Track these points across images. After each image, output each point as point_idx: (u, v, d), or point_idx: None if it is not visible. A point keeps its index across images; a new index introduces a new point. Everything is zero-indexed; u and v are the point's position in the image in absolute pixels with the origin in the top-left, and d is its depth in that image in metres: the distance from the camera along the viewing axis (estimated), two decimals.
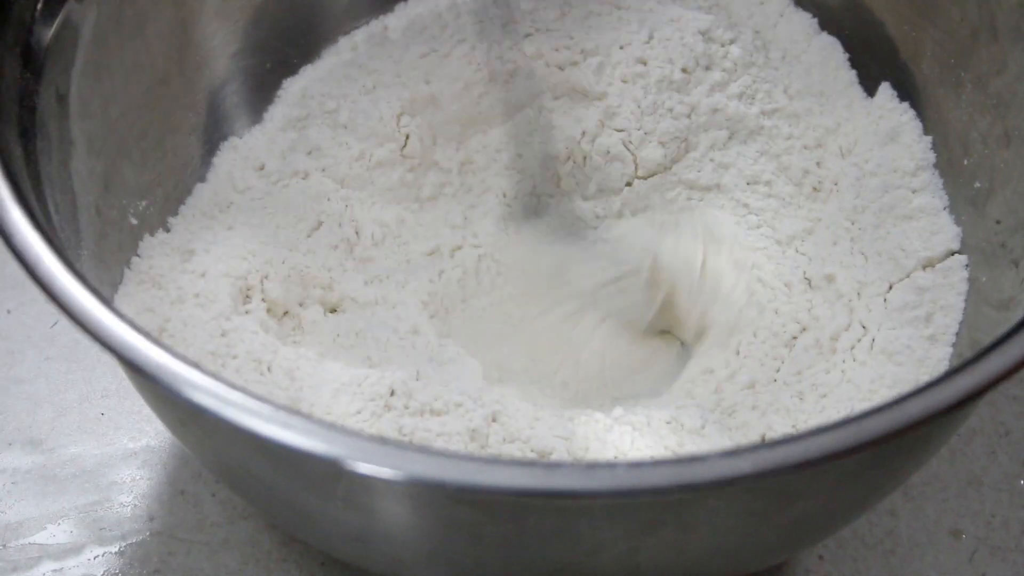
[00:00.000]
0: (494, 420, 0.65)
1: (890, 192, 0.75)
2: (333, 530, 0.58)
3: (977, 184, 0.72)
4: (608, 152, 0.78)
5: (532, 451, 0.64)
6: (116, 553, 0.70)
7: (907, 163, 0.75)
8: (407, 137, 0.79)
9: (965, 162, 0.73)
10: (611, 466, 0.48)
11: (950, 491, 0.72)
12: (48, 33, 0.66)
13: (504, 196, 0.78)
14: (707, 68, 0.79)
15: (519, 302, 0.76)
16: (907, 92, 0.78)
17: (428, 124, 0.80)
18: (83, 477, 0.73)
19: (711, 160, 0.79)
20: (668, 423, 0.67)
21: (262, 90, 0.81)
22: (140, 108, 0.73)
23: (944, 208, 0.74)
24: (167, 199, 0.75)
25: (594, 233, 0.78)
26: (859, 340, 0.70)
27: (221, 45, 0.79)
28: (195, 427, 0.57)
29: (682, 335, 0.76)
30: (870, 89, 0.80)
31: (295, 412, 0.49)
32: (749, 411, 0.68)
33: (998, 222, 0.69)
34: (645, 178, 0.78)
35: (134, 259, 0.70)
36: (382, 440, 0.49)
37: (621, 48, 0.81)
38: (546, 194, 0.78)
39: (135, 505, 0.72)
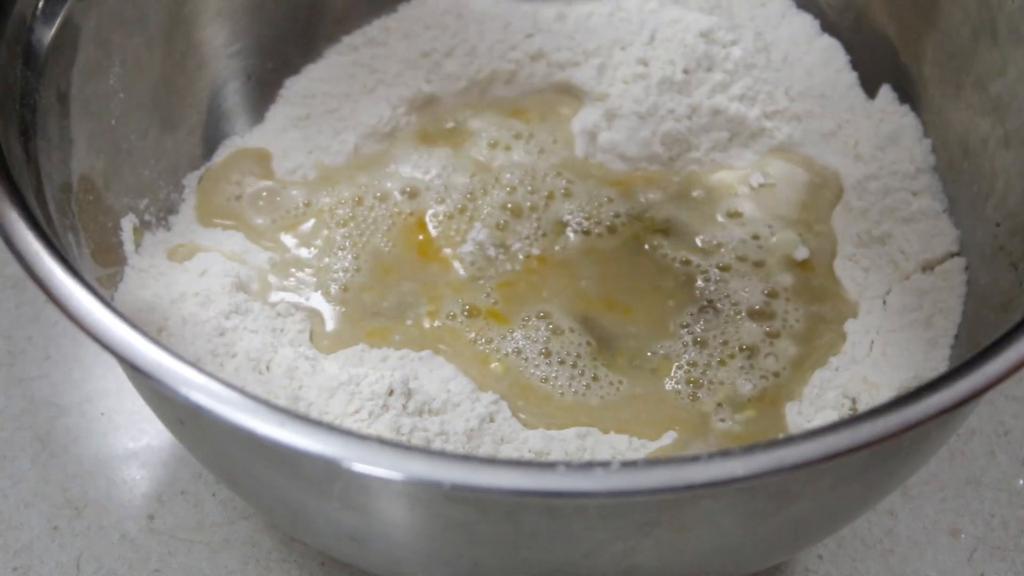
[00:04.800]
0: (491, 420, 0.65)
1: (890, 194, 0.75)
2: (330, 530, 0.58)
3: (977, 187, 0.72)
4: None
5: (529, 451, 0.64)
6: (116, 553, 0.70)
7: (907, 166, 0.75)
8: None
9: (965, 165, 0.73)
10: (606, 466, 0.48)
11: (949, 491, 0.72)
12: (49, 32, 0.66)
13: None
14: (708, 70, 0.79)
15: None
16: (908, 94, 0.78)
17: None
18: (83, 477, 0.73)
19: (712, 161, 0.79)
20: None
21: (264, 89, 0.81)
22: (141, 107, 0.73)
23: (944, 211, 0.74)
24: (168, 198, 0.75)
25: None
26: (858, 342, 0.70)
27: (223, 44, 0.79)
28: (193, 426, 0.57)
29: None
30: (871, 91, 0.80)
31: (292, 412, 0.50)
32: None
33: (997, 225, 0.69)
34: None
35: (134, 257, 0.70)
36: (378, 440, 0.49)
37: (622, 49, 0.81)
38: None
39: (135, 505, 0.72)
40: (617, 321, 0.72)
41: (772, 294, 0.72)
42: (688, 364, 0.70)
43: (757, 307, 0.72)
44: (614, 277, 0.74)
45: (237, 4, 0.80)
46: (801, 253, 0.74)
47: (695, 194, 0.77)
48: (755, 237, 0.75)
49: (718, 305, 0.72)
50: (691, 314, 0.72)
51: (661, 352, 0.70)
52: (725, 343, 0.70)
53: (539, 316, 0.71)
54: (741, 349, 0.70)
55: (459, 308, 0.72)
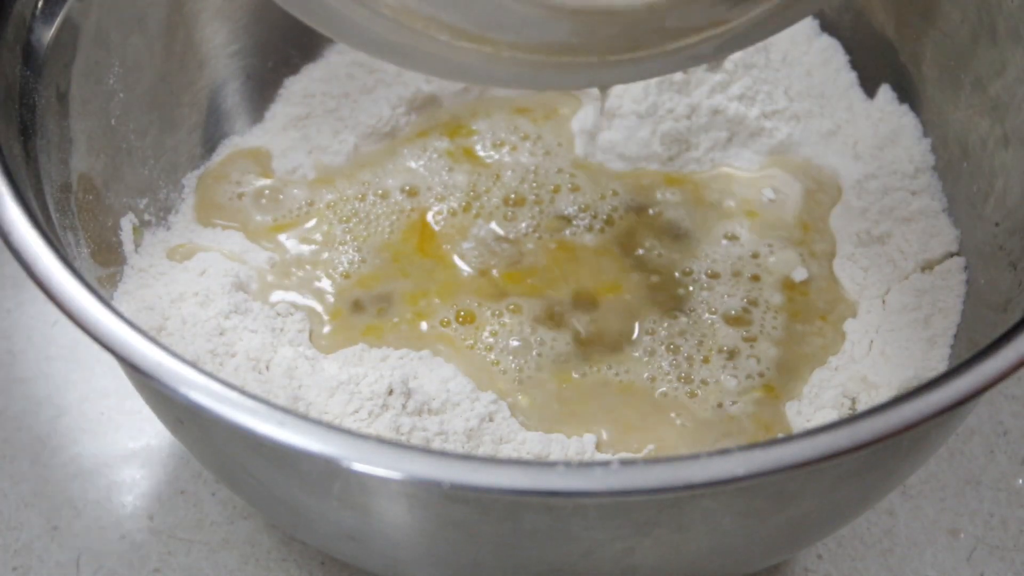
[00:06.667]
0: (490, 420, 0.65)
1: (890, 194, 0.75)
2: (330, 529, 0.58)
3: (976, 186, 0.72)
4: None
5: (528, 451, 0.64)
6: (116, 553, 0.70)
7: (907, 165, 0.75)
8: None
9: (964, 164, 0.73)
10: (605, 466, 0.48)
11: (948, 490, 0.72)
12: (49, 31, 0.66)
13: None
14: (708, 69, 0.79)
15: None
16: (907, 94, 0.78)
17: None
18: (83, 477, 0.73)
19: (711, 161, 0.79)
20: None
21: (263, 89, 0.81)
22: (140, 107, 0.73)
23: (943, 210, 0.74)
24: (167, 197, 0.75)
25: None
26: (857, 341, 0.70)
27: (222, 44, 0.79)
28: (193, 426, 0.57)
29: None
30: (870, 91, 0.80)
31: (291, 411, 0.50)
32: None
33: (996, 224, 0.69)
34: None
35: (133, 257, 0.70)
36: (378, 439, 0.49)
37: None
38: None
39: (135, 505, 0.72)
40: (602, 319, 0.72)
41: (753, 302, 0.72)
42: (671, 366, 0.70)
43: (733, 313, 0.72)
44: (606, 275, 0.74)
45: (237, 4, 0.79)
46: (800, 274, 0.74)
47: (703, 198, 0.77)
48: (754, 256, 0.75)
49: (699, 311, 0.72)
50: (665, 318, 0.72)
51: (636, 354, 0.70)
52: (700, 343, 0.70)
53: (514, 311, 0.72)
54: (719, 351, 0.70)
55: (452, 314, 0.72)
